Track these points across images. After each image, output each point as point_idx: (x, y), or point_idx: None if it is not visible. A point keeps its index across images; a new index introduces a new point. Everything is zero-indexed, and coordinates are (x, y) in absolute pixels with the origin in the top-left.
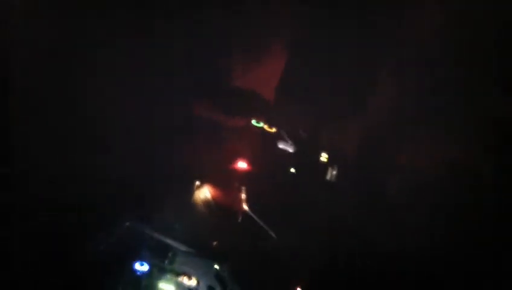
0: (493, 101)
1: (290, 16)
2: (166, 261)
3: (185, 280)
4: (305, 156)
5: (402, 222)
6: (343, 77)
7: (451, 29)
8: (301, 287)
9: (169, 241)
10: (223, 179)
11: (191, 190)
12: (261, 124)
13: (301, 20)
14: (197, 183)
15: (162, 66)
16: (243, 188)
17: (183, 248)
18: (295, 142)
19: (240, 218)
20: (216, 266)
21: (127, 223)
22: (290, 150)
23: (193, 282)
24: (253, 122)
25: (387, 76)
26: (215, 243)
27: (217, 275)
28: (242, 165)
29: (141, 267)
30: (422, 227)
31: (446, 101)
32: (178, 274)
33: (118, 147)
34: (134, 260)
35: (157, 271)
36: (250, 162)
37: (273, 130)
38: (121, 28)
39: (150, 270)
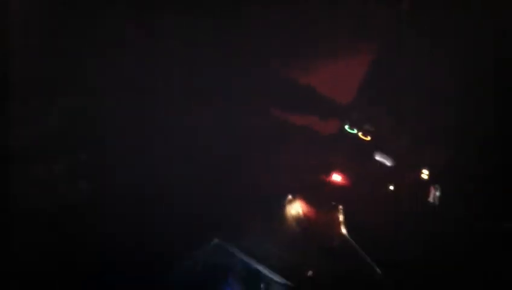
0: None
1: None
2: None
3: None
4: (405, 172)
5: None
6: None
7: None
8: None
9: (260, 268)
10: (317, 194)
11: (282, 205)
12: (355, 131)
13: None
14: (289, 197)
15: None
16: (340, 207)
17: (277, 278)
18: (392, 154)
19: (337, 243)
20: None
21: (216, 241)
22: (388, 163)
23: None
24: (346, 128)
25: None
26: (310, 272)
27: None
28: (337, 178)
29: None
30: None
31: None
32: None
33: (207, 157)
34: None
35: None
36: (345, 176)
37: (368, 138)
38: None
39: None
